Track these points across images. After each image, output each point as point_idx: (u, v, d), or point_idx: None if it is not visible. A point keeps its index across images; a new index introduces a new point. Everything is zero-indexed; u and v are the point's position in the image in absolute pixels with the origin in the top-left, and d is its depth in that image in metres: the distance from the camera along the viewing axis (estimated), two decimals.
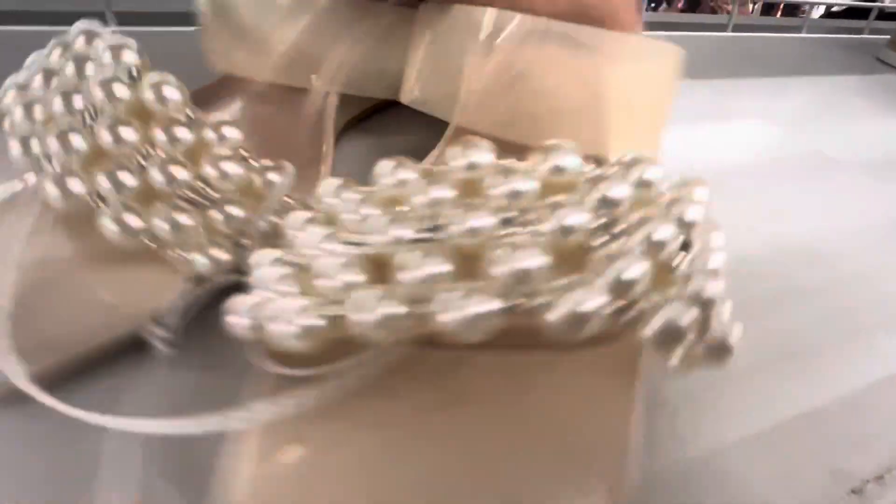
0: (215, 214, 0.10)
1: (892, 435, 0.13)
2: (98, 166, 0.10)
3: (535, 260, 0.09)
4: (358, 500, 0.09)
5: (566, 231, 0.10)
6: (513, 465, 0.09)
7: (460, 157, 0.11)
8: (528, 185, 0.11)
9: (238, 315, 0.09)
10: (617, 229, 0.10)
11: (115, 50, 0.11)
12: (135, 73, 0.11)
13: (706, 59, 0.41)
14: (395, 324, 0.09)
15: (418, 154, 0.14)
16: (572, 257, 0.10)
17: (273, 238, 0.11)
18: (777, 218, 0.21)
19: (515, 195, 0.10)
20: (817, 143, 0.27)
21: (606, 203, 0.10)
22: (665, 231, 0.10)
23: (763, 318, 0.16)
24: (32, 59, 0.12)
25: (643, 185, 0.11)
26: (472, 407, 0.10)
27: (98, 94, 0.10)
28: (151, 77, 0.11)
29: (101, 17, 0.23)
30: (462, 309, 0.09)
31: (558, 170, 0.11)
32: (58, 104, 0.11)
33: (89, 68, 0.11)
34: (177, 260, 0.10)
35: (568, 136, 0.15)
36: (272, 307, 0.09)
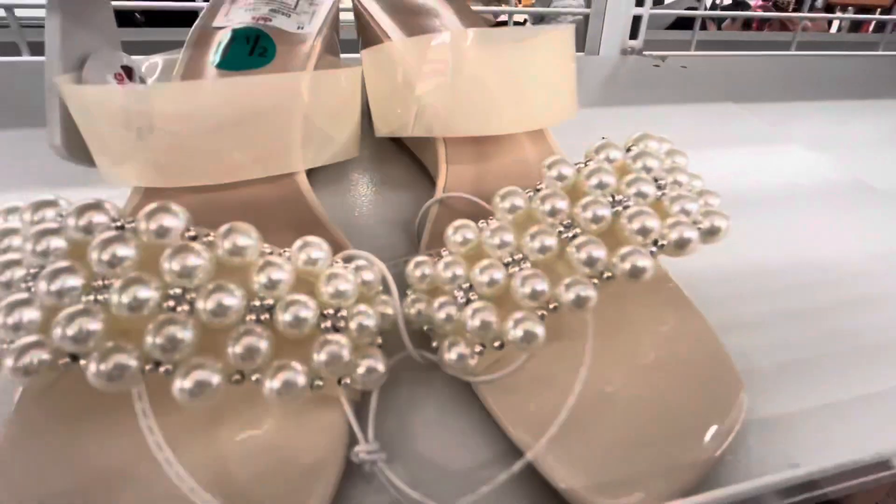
0: (352, 331, 0.12)
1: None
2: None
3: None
4: None
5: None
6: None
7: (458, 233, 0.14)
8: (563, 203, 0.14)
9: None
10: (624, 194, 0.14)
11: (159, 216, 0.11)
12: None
13: (762, 81, 0.41)
14: None
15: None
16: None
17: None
18: (801, 240, 0.23)
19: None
20: (859, 170, 0.28)
21: (602, 185, 0.14)
22: (647, 185, 0.14)
23: (774, 329, 0.18)
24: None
25: (611, 159, 0.15)
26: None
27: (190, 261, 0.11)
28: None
29: None
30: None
31: (561, 177, 0.14)
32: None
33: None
34: (344, 387, 0.12)
35: (512, 116, 0.19)
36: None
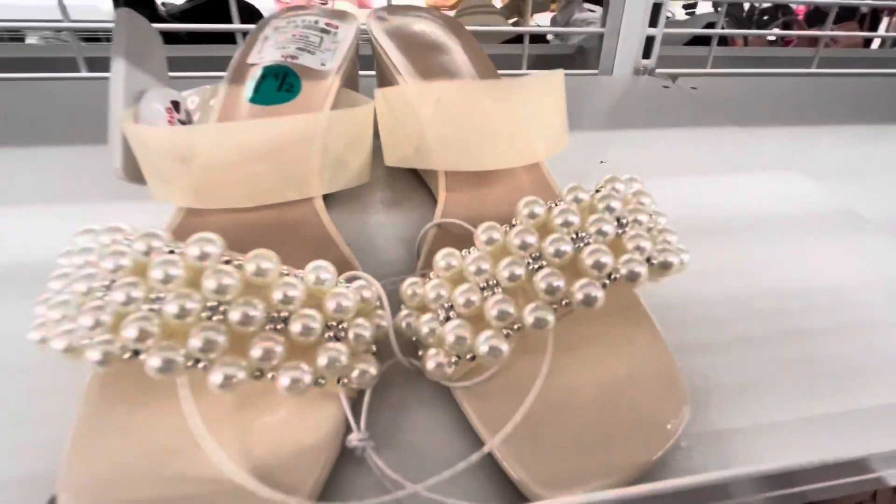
0: (350, 340, 0.15)
1: None
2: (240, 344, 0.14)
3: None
4: None
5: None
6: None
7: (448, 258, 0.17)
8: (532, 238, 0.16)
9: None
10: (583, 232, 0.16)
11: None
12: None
13: (776, 103, 0.41)
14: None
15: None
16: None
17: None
18: (783, 267, 0.24)
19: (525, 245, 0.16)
20: (854, 199, 0.28)
21: (567, 223, 0.16)
22: (607, 225, 0.16)
23: (742, 352, 0.19)
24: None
25: (578, 200, 0.17)
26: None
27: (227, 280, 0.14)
28: (252, 262, 0.15)
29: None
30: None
31: (533, 215, 0.17)
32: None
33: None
34: (342, 386, 0.15)
35: (505, 152, 0.22)
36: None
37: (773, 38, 0.96)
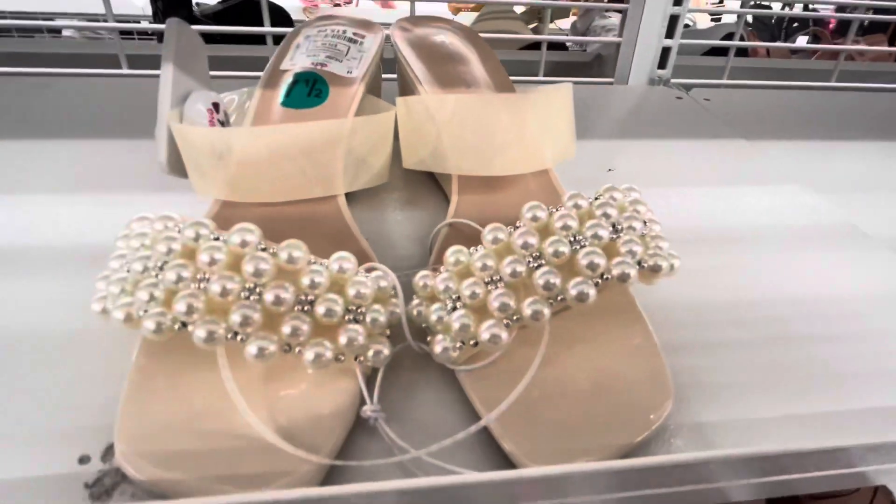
0: (367, 323, 0.17)
1: None
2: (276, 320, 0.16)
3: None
4: None
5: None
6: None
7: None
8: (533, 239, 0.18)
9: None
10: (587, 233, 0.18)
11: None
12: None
13: (789, 116, 0.41)
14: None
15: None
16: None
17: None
18: (778, 277, 0.25)
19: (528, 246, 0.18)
20: (856, 214, 0.29)
21: (566, 227, 0.18)
22: (602, 230, 0.18)
23: (730, 353, 0.21)
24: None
25: (578, 206, 0.19)
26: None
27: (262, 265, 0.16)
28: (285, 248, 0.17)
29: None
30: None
31: (535, 219, 0.19)
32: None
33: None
34: (359, 364, 0.17)
35: (514, 159, 0.24)
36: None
37: (797, 49, 0.95)
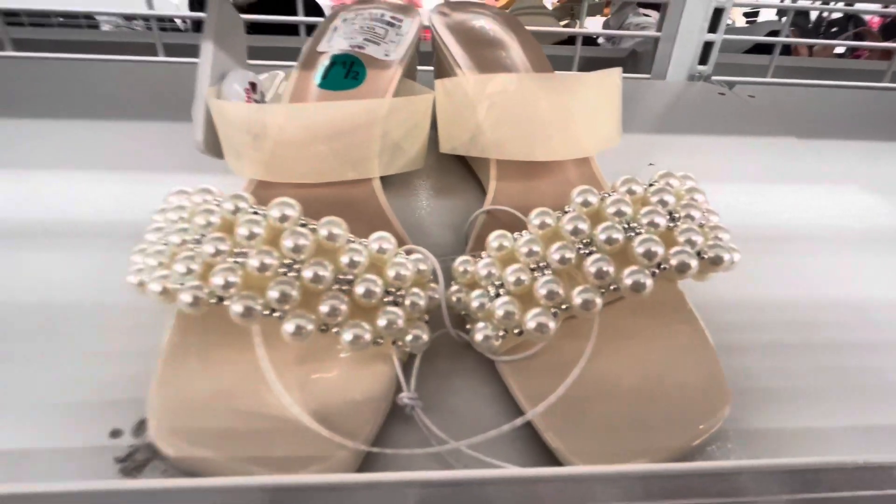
0: (406, 307, 0.16)
1: None
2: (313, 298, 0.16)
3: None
4: None
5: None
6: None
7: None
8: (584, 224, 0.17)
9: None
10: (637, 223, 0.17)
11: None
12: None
13: (840, 116, 0.40)
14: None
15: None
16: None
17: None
18: (835, 279, 0.23)
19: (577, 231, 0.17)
20: None
21: (620, 213, 0.17)
22: (660, 217, 0.17)
23: (786, 357, 0.20)
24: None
25: (632, 192, 0.18)
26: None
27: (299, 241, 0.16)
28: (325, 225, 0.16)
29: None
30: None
31: (587, 203, 0.17)
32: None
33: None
34: (396, 348, 0.16)
35: (557, 145, 0.23)
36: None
37: (840, 50, 0.91)
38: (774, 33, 0.62)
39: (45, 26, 0.66)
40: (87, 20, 0.81)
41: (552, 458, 0.15)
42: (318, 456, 0.14)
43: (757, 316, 0.22)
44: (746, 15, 1.12)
